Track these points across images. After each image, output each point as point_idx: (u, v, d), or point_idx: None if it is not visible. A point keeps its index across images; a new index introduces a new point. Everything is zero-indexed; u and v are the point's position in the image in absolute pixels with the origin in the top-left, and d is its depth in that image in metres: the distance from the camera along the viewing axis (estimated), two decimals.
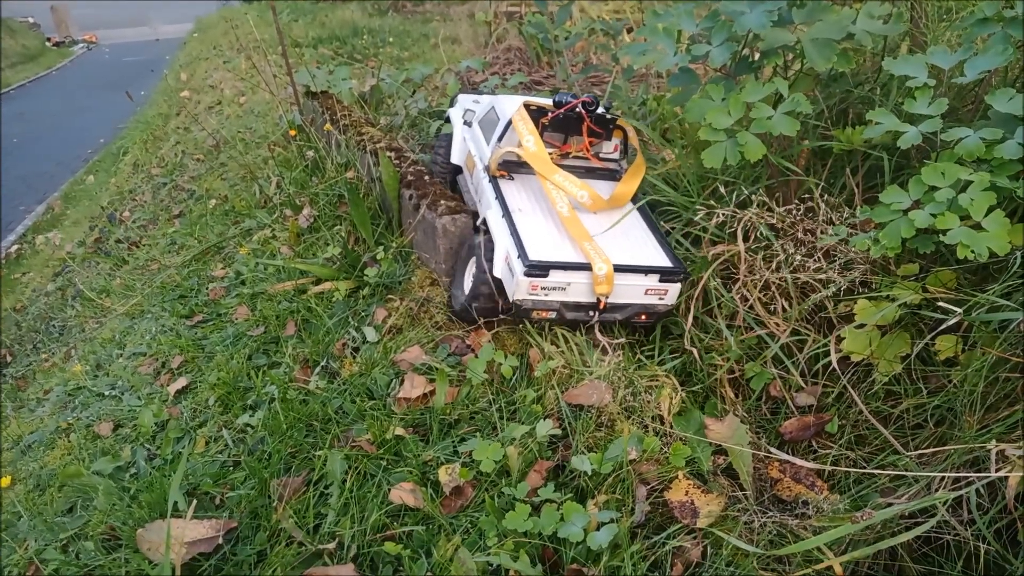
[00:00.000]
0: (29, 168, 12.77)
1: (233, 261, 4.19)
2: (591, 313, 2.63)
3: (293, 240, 3.97)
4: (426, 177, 3.49)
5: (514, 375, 2.63)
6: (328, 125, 4.34)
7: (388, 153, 3.65)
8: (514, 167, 3.01)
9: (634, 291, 2.62)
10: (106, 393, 3.44)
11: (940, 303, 2.07)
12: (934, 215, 2.09)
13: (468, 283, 2.93)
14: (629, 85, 4.56)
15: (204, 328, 3.65)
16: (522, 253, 2.50)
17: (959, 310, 2.00)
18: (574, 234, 2.67)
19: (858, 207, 2.44)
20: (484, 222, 2.86)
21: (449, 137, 3.60)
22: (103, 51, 25.91)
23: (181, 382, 3.24)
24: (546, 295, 2.54)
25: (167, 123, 10.23)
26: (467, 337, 2.90)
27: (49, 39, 26.83)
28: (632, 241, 2.78)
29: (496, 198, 2.82)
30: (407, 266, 3.35)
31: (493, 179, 2.92)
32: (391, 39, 9.06)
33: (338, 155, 4.23)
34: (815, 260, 2.35)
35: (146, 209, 7.10)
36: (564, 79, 5.03)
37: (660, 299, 2.68)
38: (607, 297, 2.57)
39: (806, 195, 2.59)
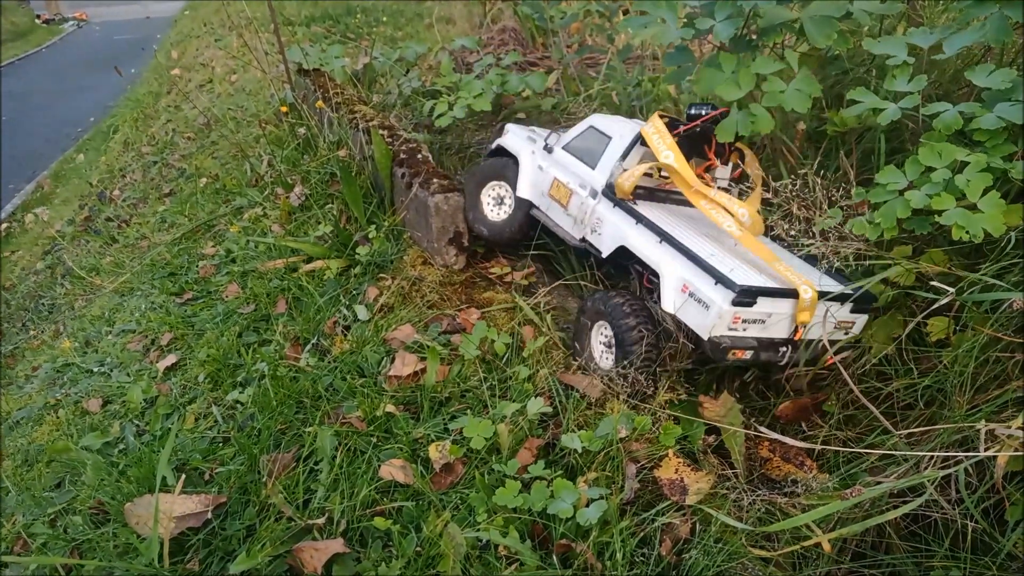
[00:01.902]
0: (18, 146, 12.63)
1: (224, 239, 4.16)
2: (783, 351, 2.29)
3: (284, 218, 3.94)
4: (419, 155, 3.46)
5: (507, 352, 2.62)
6: (320, 103, 4.30)
7: (381, 131, 3.62)
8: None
9: (823, 325, 2.28)
10: (95, 370, 3.41)
11: (933, 283, 2.07)
12: (930, 196, 2.09)
13: (598, 351, 2.55)
14: (624, 66, 4.52)
15: (194, 306, 3.63)
16: (722, 278, 2.14)
17: (951, 290, 2.00)
18: (761, 255, 2.33)
19: (853, 188, 2.44)
20: (621, 253, 2.52)
21: (501, 174, 3.10)
22: (93, 29, 25.59)
23: (170, 359, 3.22)
24: (744, 330, 2.20)
25: (158, 101, 10.13)
26: (458, 315, 2.89)
27: (39, 16, 26.48)
28: (798, 265, 2.44)
29: (639, 223, 2.47)
30: (399, 245, 3.33)
31: (621, 202, 2.57)
32: (385, 18, 8.98)
33: (330, 133, 4.19)
34: (810, 237, 2.35)
35: (136, 188, 7.04)
36: (559, 60, 4.99)
37: (845, 333, 2.35)
38: (806, 326, 2.25)
39: (803, 172, 2.59)
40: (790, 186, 2.38)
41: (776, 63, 2.47)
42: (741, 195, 2.69)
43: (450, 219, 3.10)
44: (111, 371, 3.34)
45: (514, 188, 2.99)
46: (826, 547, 1.81)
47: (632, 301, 2.42)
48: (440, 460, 2.20)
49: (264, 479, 2.24)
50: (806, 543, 1.82)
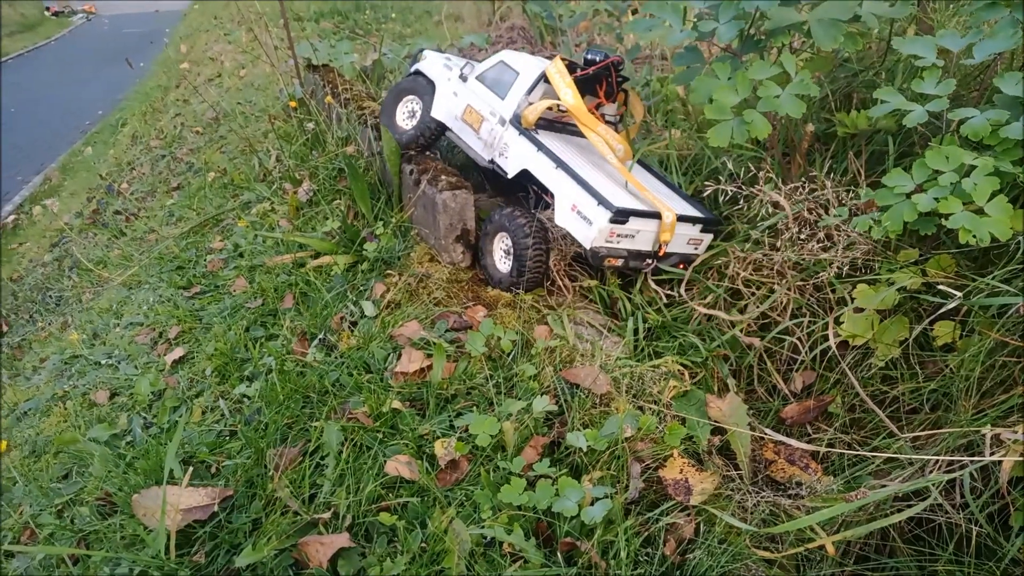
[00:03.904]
0: (26, 138, 12.68)
1: (231, 234, 4.17)
2: (648, 261, 2.81)
3: (292, 214, 3.95)
4: (427, 152, 3.47)
5: (513, 350, 2.62)
6: (329, 98, 4.31)
7: None
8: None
9: (680, 240, 2.79)
10: (103, 362, 3.43)
11: (940, 287, 2.07)
12: (937, 199, 2.09)
13: (499, 257, 2.98)
14: (632, 66, 4.53)
15: (202, 299, 3.64)
16: (603, 201, 2.59)
17: (959, 294, 2.00)
18: (633, 183, 2.82)
19: (862, 189, 2.44)
20: (524, 174, 2.93)
21: (414, 90, 3.45)
22: (102, 22, 25.69)
23: (178, 352, 3.23)
24: (618, 242, 2.67)
25: (166, 95, 10.15)
26: (465, 313, 2.90)
27: (48, 9, 26.60)
28: (663, 194, 2.91)
29: (539, 150, 2.86)
30: (406, 241, 3.33)
31: (526, 131, 2.94)
32: (394, 15, 8.98)
33: (339, 129, 4.20)
34: (818, 240, 2.35)
35: (144, 181, 7.07)
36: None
37: (695, 249, 2.88)
38: (668, 245, 2.74)
39: (812, 174, 2.59)
40: (800, 190, 2.38)
41: (773, 67, 2.47)
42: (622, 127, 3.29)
43: (458, 216, 3.11)
44: (119, 363, 3.36)
45: (424, 102, 3.36)
46: (830, 550, 1.81)
47: (529, 217, 2.86)
48: (445, 457, 2.20)
49: (270, 473, 2.25)
50: (810, 545, 1.82)
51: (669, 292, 2.85)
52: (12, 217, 9.86)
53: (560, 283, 2.98)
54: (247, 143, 5.43)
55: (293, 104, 4.76)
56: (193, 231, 4.57)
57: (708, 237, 2.87)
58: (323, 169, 4.07)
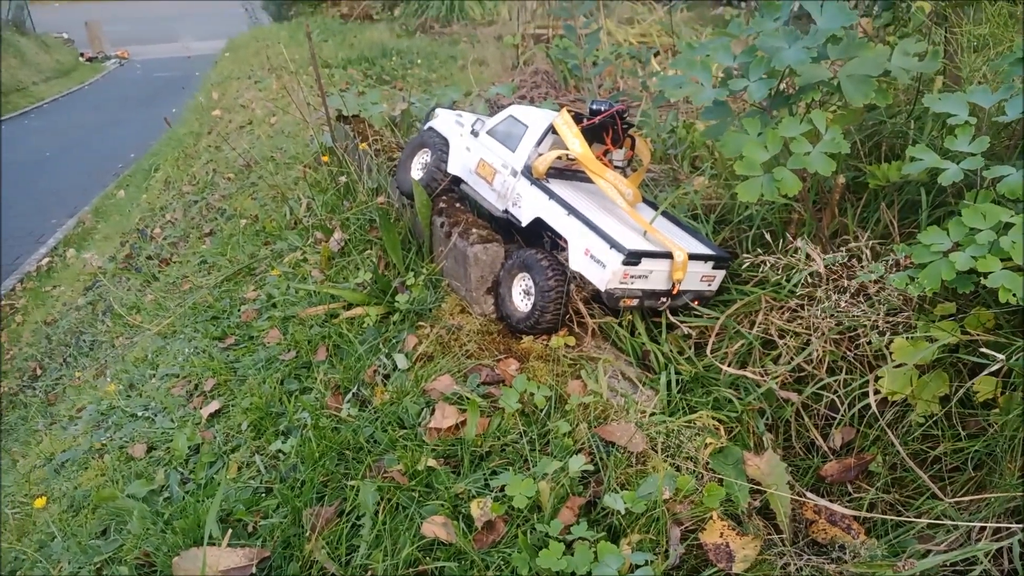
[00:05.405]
0: (60, 181, 13.02)
1: (264, 283, 4.23)
2: (662, 300, 2.87)
3: (324, 264, 4.01)
4: (458, 204, 3.51)
5: (547, 406, 2.62)
6: (364, 144, 4.39)
7: None
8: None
9: (693, 278, 2.86)
10: (139, 414, 3.47)
11: (982, 349, 2.04)
12: (975, 257, 2.08)
13: (518, 297, 3.05)
14: (658, 112, 4.57)
15: (236, 351, 3.69)
16: (615, 244, 2.67)
17: (1001, 356, 1.97)
18: (643, 225, 2.92)
19: (896, 244, 2.43)
20: (537, 222, 3.01)
21: (425, 147, 3.59)
22: (135, 67, 26.42)
23: (214, 405, 3.26)
24: (631, 283, 2.74)
25: (198, 141, 10.38)
26: (497, 365, 2.90)
27: (82, 54, 27.43)
28: (672, 233, 3.03)
29: (551, 199, 2.95)
30: (438, 293, 3.36)
31: (537, 181, 3.05)
32: (419, 60, 9.15)
33: (369, 180, 4.27)
34: (856, 303, 2.34)
35: (177, 226, 7.21)
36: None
37: (708, 285, 2.96)
38: (681, 283, 2.81)
39: (843, 233, 2.58)
40: (839, 259, 2.38)
41: (803, 124, 2.48)
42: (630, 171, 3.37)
43: (488, 269, 3.14)
44: (155, 416, 3.40)
45: (434, 154, 3.51)
46: None
47: (550, 258, 2.93)
48: (482, 517, 2.19)
49: (307, 533, 2.26)
50: None
51: (697, 341, 2.84)
52: (47, 260, 10.09)
53: (585, 322, 3.00)
54: (278, 191, 5.53)
55: (325, 159, 4.85)
56: (227, 280, 4.64)
57: (720, 274, 2.94)
58: (354, 219, 4.13)
